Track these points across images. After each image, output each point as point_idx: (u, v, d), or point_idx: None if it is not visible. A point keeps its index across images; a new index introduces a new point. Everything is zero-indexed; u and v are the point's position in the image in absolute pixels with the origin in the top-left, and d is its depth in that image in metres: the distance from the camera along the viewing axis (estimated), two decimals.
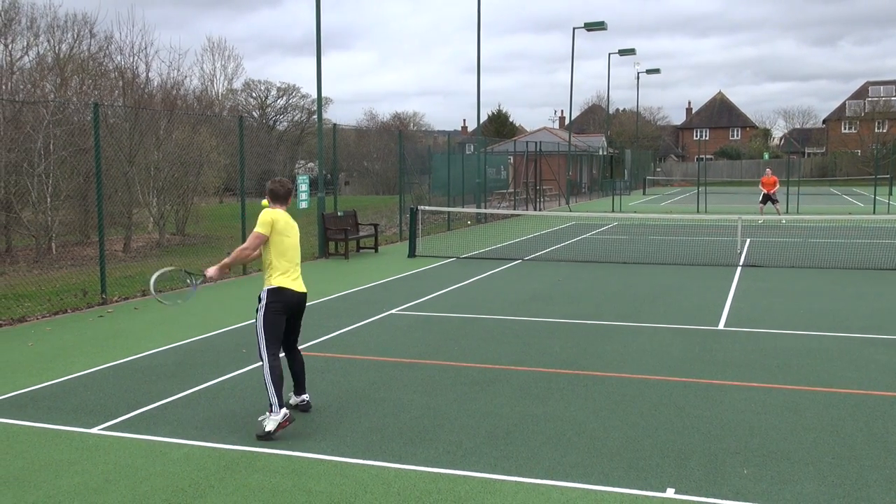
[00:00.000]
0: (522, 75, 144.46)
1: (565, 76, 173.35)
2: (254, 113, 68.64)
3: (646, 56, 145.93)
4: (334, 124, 21.90)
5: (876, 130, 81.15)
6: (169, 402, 7.31)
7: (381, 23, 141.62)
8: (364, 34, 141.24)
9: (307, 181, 20.08)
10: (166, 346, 9.55)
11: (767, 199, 28.77)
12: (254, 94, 70.17)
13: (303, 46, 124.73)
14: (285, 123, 71.33)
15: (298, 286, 6.83)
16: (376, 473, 5.62)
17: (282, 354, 6.80)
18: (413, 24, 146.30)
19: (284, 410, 6.38)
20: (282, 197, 6.94)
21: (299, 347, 7.14)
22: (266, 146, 55.97)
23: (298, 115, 71.30)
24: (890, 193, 41.11)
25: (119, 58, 26.91)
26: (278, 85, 70.37)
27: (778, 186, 29.34)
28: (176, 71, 40.15)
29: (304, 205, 19.66)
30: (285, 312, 6.69)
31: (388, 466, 5.74)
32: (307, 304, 7.08)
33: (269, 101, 71.17)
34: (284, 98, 71.52)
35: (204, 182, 23.48)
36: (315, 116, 26.13)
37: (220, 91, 58.85)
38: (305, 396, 7.06)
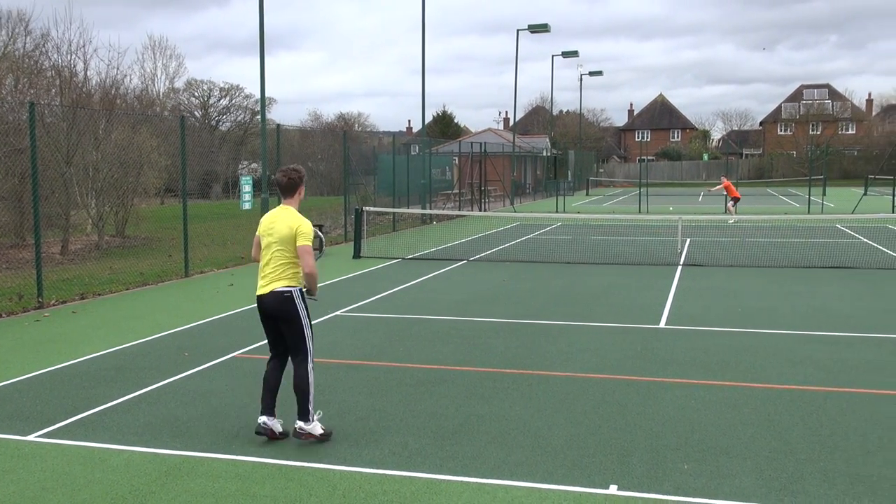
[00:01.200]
0: (469, 77, 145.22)
1: (512, 78, 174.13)
2: (196, 113, 67.66)
3: (591, 59, 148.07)
4: (278, 125, 21.71)
5: (810, 132, 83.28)
6: (108, 408, 7.17)
7: (330, 23, 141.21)
8: (312, 34, 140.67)
9: (250, 182, 19.87)
10: (106, 351, 9.36)
11: (735, 200, 29.54)
12: (196, 94, 69.19)
13: (250, 46, 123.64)
14: (228, 124, 70.47)
15: (260, 288, 6.27)
16: (321, 476, 5.59)
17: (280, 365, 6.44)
18: (362, 25, 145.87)
19: (260, 419, 6.21)
20: (285, 188, 6.25)
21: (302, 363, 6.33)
22: (208, 147, 55.24)
23: (242, 116, 70.50)
24: (824, 194, 42.27)
25: (56, 56, 26.31)
26: (221, 85, 69.50)
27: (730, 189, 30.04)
28: (115, 70, 39.27)
29: (247, 206, 19.45)
30: (262, 319, 6.33)
31: (333, 469, 5.71)
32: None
33: (211, 101, 70.23)
34: (227, 98, 70.66)
35: (144, 183, 23.05)
36: (259, 117, 25.89)
37: (161, 90, 57.88)
38: (296, 423, 6.22)
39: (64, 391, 7.71)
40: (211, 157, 53.92)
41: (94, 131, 21.44)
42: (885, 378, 7.95)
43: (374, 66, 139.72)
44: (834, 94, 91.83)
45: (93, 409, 7.14)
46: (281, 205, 6.29)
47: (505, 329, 10.45)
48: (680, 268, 16.37)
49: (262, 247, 6.26)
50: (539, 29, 40.73)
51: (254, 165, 54.70)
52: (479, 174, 37.64)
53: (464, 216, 31.06)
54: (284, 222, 6.11)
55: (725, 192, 29.88)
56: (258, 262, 6.36)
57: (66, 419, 6.85)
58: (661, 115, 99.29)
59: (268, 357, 6.44)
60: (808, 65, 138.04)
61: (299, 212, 6.26)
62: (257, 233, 6.35)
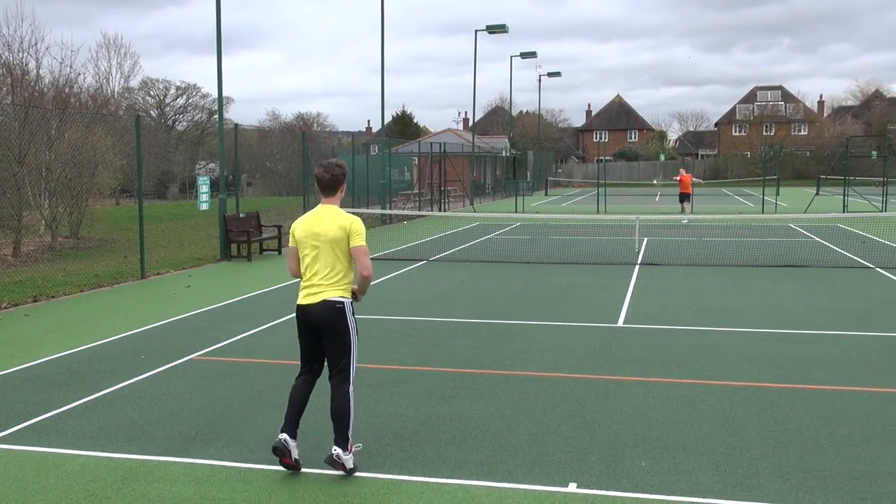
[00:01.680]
0: (430, 77, 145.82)
1: (472, 78, 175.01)
2: (152, 112, 66.80)
3: (551, 60, 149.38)
4: (236, 124, 21.55)
5: (764, 133, 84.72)
6: (62, 412, 7.05)
7: (291, 23, 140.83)
8: (273, 34, 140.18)
9: (208, 182, 19.67)
10: (59, 354, 9.20)
11: (685, 198, 29.68)
12: (152, 93, 68.34)
13: (209, 45, 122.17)
14: (185, 123, 69.68)
15: (305, 297, 5.61)
16: (280, 478, 5.55)
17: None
18: (323, 25, 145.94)
19: (281, 436, 5.54)
20: (326, 185, 5.61)
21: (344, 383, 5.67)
22: (165, 146, 54.56)
23: (199, 115, 69.79)
24: (777, 194, 42.99)
25: (7, 54, 25.77)
26: (177, 84, 68.74)
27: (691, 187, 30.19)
28: (69, 68, 38.57)
29: (204, 206, 19.25)
30: (302, 331, 5.70)
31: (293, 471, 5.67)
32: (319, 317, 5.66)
33: (167, 101, 69.41)
34: (184, 97, 69.88)
35: (99, 183, 22.69)
36: (216, 116, 25.62)
37: (116, 89, 57.01)
38: (334, 450, 5.52)
39: (16, 396, 7.56)
40: (167, 157, 53.28)
41: (46, 131, 21.04)
42: (836, 374, 8.12)
43: (334, 66, 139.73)
44: (787, 96, 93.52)
45: (46, 413, 7.01)
46: (320, 205, 5.65)
47: (465, 329, 10.47)
48: (637, 267, 16.55)
49: (304, 255, 5.58)
50: (497, 30, 40.88)
51: (211, 165, 54.17)
52: (438, 174, 37.67)
53: (424, 216, 31.07)
54: (334, 222, 5.50)
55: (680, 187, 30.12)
56: (299, 277, 5.70)
57: (19, 424, 6.72)
58: (618, 116, 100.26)
59: (304, 375, 5.79)
60: (762, 67, 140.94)
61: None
62: (291, 243, 5.69)
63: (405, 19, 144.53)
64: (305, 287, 5.60)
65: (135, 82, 64.11)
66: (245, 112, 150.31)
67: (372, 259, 19.89)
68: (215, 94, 20.41)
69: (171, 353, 9.15)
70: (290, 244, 5.74)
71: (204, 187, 19.38)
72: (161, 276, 15.82)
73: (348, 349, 5.59)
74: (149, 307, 12.34)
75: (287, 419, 5.64)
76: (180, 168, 55.85)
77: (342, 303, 5.53)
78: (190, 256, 18.55)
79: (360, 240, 5.49)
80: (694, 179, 30.39)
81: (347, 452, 5.50)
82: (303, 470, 5.68)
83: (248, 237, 18.41)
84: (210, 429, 6.57)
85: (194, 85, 69.92)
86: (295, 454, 5.57)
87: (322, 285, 5.51)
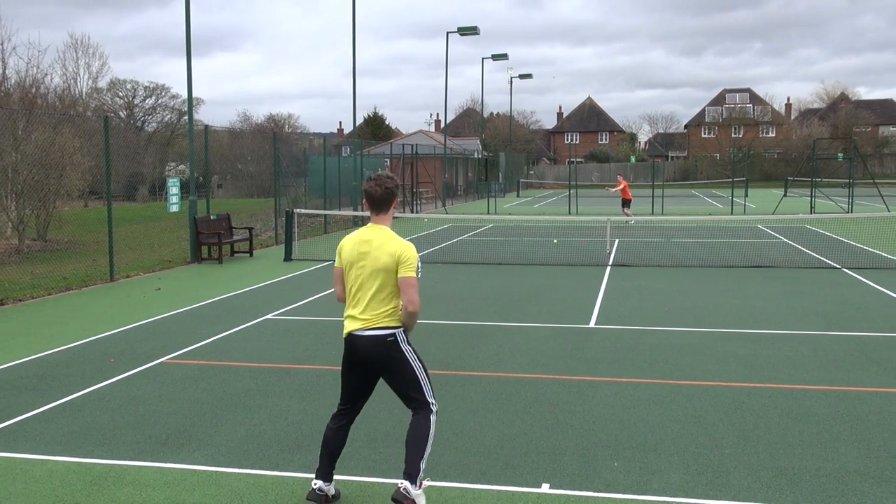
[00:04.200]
0: (406, 79, 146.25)
1: (448, 80, 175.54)
2: (121, 113, 66.12)
3: (528, 63, 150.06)
4: (206, 126, 21.36)
5: (733, 135, 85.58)
6: (30, 417, 6.95)
7: (271, 24, 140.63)
8: (252, 35, 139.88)
9: (178, 184, 19.50)
10: (27, 358, 9.07)
11: (626, 203, 30.02)
12: (120, 94, 67.65)
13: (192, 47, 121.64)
14: (154, 124, 69.04)
15: (350, 324, 5.03)
16: (253, 482, 5.52)
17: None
18: (303, 27, 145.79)
19: (315, 484, 5.09)
20: (378, 202, 5.04)
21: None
22: (134, 148, 54.01)
23: (169, 116, 69.19)
24: (746, 195, 43.44)
25: None
26: (146, 84, 68.12)
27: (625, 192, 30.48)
28: (35, 69, 38.10)
29: (174, 208, 19.08)
30: (347, 364, 5.13)
31: (264, 474, 5.65)
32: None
33: (136, 101, 68.76)
34: (153, 98, 69.28)
35: (67, 185, 22.40)
36: (186, 117, 25.42)
37: (84, 90, 56.36)
38: (401, 485, 4.91)
39: None
40: (137, 158, 52.73)
41: (13, 131, 20.74)
42: (804, 374, 8.22)
43: (311, 67, 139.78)
44: (755, 98, 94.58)
45: (13, 418, 6.91)
46: (370, 224, 5.09)
47: (437, 330, 10.47)
48: (609, 268, 16.65)
49: (352, 278, 5.02)
50: (468, 31, 40.94)
51: (181, 167, 53.69)
52: (410, 176, 37.65)
53: (396, 218, 30.97)
54: (383, 249, 4.94)
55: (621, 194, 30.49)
56: (344, 302, 5.16)
57: None
58: (589, 118, 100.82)
59: (340, 415, 5.25)
60: (733, 70, 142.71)
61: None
62: (339, 264, 5.12)
63: (384, 22, 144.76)
64: (350, 316, 5.03)
65: (103, 83, 63.47)
66: (220, 113, 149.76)
67: None
68: (185, 95, 20.23)
69: (141, 357, 9.06)
70: (336, 265, 5.16)
71: (174, 189, 19.21)
72: (130, 279, 15.66)
73: (416, 379, 5.04)
74: (118, 310, 12.21)
75: (322, 464, 5.14)
76: (150, 170, 55.29)
77: (393, 335, 4.96)
78: (160, 259, 18.38)
79: (409, 271, 4.90)
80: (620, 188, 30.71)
81: (417, 487, 4.91)
82: (275, 473, 5.66)
83: (219, 239, 18.28)
84: (181, 432, 6.51)
85: (163, 85, 69.45)
86: (332, 492, 5.16)
87: (366, 316, 4.95)
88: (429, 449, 4.99)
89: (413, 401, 5.08)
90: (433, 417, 5.06)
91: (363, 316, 4.96)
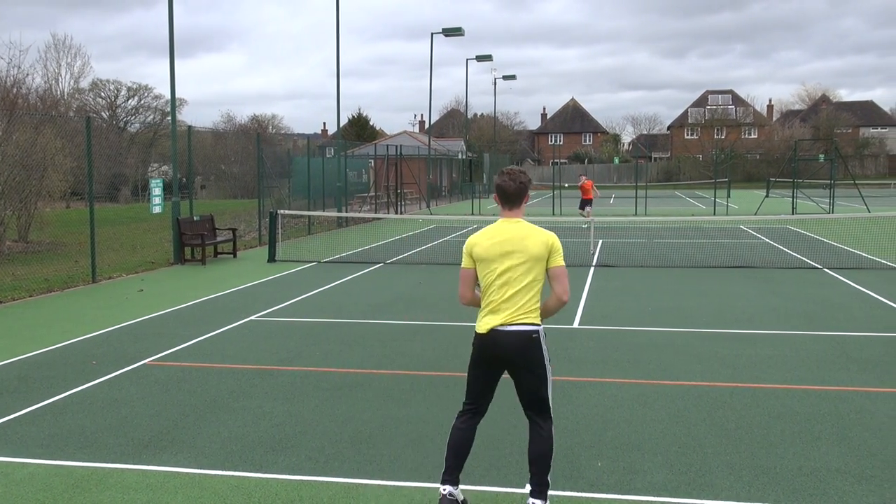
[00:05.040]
0: (392, 80, 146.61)
1: (434, 81, 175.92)
2: (103, 114, 65.74)
3: (514, 64, 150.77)
4: (189, 126, 21.28)
5: (715, 136, 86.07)
6: (11, 420, 6.90)
7: (258, 25, 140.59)
8: (238, 36, 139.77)
9: (161, 185, 19.40)
10: (8, 361, 9.00)
11: (585, 203, 29.64)
12: (102, 95, 67.26)
13: (176, 47, 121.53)
14: (137, 125, 68.72)
15: (489, 321, 4.94)
16: (236, 484, 5.50)
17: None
18: (290, 28, 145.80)
19: (444, 490, 4.87)
20: (512, 196, 4.87)
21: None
22: (117, 148, 53.70)
23: (152, 117, 68.87)
24: (728, 196, 43.70)
25: None
26: (128, 85, 67.77)
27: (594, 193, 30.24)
28: (16, 69, 37.80)
29: (157, 209, 18.99)
30: (483, 361, 5.00)
31: (248, 476, 5.63)
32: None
33: (119, 102, 68.39)
34: (136, 98, 68.93)
35: (49, 186, 22.24)
36: (169, 118, 25.34)
37: (65, 90, 56.00)
38: (529, 502, 4.83)
39: None
40: (119, 159, 52.43)
41: None
42: (785, 373, 8.28)
43: (296, 68, 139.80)
44: (737, 100, 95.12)
45: None
46: (503, 219, 4.93)
47: (422, 331, 10.47)
48: (593, 269, 16.70)
49: (489, 275, 4.86)
50: (453, 33, 40.97)
51: (164, 168, 53.44)
52: (395, 177, 37.63)
53: (380, 219, 31.01)
54: (533, 238, 4.77)
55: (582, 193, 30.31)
56: (474, 305, 5.10)
57: None
58: (573, 119, 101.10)
59: (467, 415, 5.12)
60: (716, 72, 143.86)
61: None
62: (466, 264, 4.98)
63: (370, 23, 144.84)
64: (491, 312, 4.89)
65: (85, 83, 63.13)
66: (204, 114, 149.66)
67: (328, 262, 19.80)
68: (168, 96, 20.14)
69: (124, 359, 9.01)
70: (464, 265, 4.99)
71: (157, 190, 19.11)
72: (113, 281, 15.57)
73: (547, 383, 4.91)
74: (100, 312, 12.13)
75: (448, 468, 4.92)
76: (132, 170, 55.01)
77: (537, 332, 4.83)
78: (143, 260, 18.28)
79: (560, 259, 4.79)
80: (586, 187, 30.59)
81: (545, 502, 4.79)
82: (259, 475, 5.64)
83: (202, 240, 18.20)
84: (164, 435, 6.48)
85: (146, 86, 69.20)
86: (460, 498, 4.94)
87: (512, 309, 4.79)
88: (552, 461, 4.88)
89: (540, 403, 4.92)
90: (553, 428, 4.96)
91: (508, 308, 4.80)
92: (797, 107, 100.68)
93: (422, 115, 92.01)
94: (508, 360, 4.85)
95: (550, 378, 4.93)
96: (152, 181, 19.77)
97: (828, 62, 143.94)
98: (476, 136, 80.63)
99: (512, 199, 4.87)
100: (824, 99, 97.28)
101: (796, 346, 9.52)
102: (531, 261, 4.76)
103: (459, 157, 59.11)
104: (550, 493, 5.02)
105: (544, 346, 4.88)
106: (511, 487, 5.40)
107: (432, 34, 42.57)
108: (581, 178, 30.80)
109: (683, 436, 6.39)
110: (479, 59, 50.54)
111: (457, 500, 4.89)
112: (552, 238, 4.84)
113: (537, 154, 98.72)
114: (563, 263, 4.82)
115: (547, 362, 4.90)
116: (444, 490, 4.88)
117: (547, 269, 4.82)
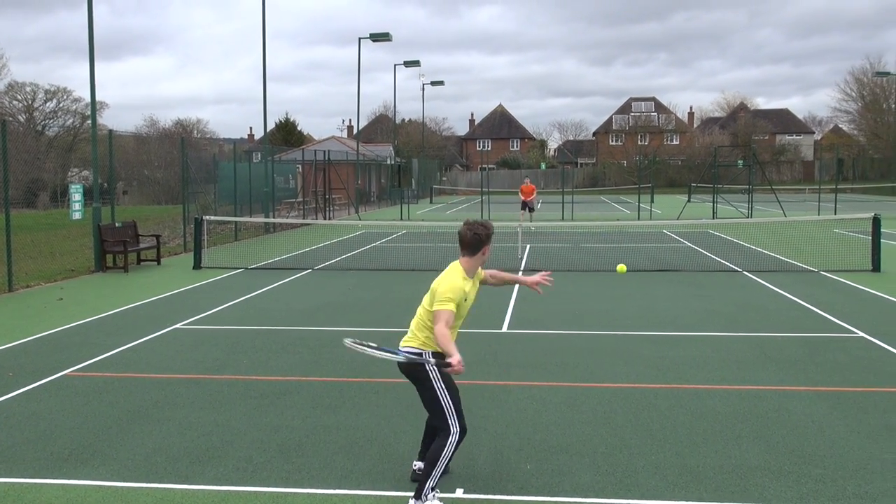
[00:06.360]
0: (322, 86, 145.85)
1: (363, 87, 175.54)
2: (19, 117, 63.69)
3: (444, 70, 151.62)
4: (110, 130, 20.76)
5: (639, 143, 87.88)
6: None
7: (186, 29, 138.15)
8: (166, 39, 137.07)
9: (81, 190, 18.88)
10: None
11: (525, 205, 31.03)
12: (19, 97, 65.17)
13: (100, 49, 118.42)
14: (56, 129, 66.76)
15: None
16: (161, 496, 5.38)
17: None
18: (219, 32, 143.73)
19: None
20: (463, 244, 5.39)
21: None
22: (34, 153, 52.07)
23: (72, 120, 67.00)
24: (652, 201, 44.64)
25: None
26: (46, 87, 65.81)
27: (535, 195, 31.83)
28: None
29: (77, 216, 18.48)
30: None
31: (173, 488, 5.52)
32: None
33: (36, 105, 66.34)
34: (54, 101, 66.97)
35: None
36: (90, 121, 24.65)
37: None
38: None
39: None
40: (37, 163, 50.84)
41: None
42: (707, 373, 8.50)
43: (225, 72, 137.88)
44: (659, 107, 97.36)
45: None
46: (468, 265, 5.48)
47: (352, 337, 10.39)
48: (521, 273, 16.83)
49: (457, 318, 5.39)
50: (381, 38, 40.90)
51: (85, 173, 52.00)
52: (323, 182, 37.35)
53: (308, 224, 30.74)
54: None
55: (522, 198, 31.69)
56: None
57: None
58: (500, 125, 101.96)
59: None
60: (640, 80, 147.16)
61: None
62: (452, 307, 5.31)
63: (302, 28, 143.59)
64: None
65: (1, 85, 61.09)
66: (128, 118, 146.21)
67: (255, 268, 19.46)
68: (88, 99, 19.61)
69: (43, 370, 8.73)
70: (452, 310, 5.44)
71: (77, 195, 18.59)
72: (31, 289, 15.08)
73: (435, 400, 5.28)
74: (17, 322, 11.74)
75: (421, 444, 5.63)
76: (51, 175, 53.42)
77: (420, 353, 5.49)
78: (62, 268, 17.74)
79: (439, 304, 5.30)
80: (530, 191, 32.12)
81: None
82: (185, 487, 5.53)
83: (124, 247, 17.77)
84: (85, 448, 6.31)
85: (64, 88, 67.35)
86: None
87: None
88: (439, 471, 5.13)
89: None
90: (451, 440, 5.17)
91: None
92: (717, 114, 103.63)
93: (350, 121, 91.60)
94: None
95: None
96: (72, 186, 19.24)
97: (746, 71, 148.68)
98: (404, 142, 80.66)
99: (464, 246, 5.39)
100: (742, 107, 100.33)
101: (718, 346, 9.78)
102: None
103: (388, 162, 59.03)
104: (481, 496, 5.11)
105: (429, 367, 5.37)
106: (441, 493, 5.39)
107: (360, 39, 42.45)
108: (525, 180, 32.23)
109: (610, 437, 6.50)
110: (407, 64, 50.62)
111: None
112: (438, 284, 5.33)
113: (466, 160, 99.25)
114: (441, 308, 5.23)
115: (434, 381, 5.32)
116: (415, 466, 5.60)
117: None
